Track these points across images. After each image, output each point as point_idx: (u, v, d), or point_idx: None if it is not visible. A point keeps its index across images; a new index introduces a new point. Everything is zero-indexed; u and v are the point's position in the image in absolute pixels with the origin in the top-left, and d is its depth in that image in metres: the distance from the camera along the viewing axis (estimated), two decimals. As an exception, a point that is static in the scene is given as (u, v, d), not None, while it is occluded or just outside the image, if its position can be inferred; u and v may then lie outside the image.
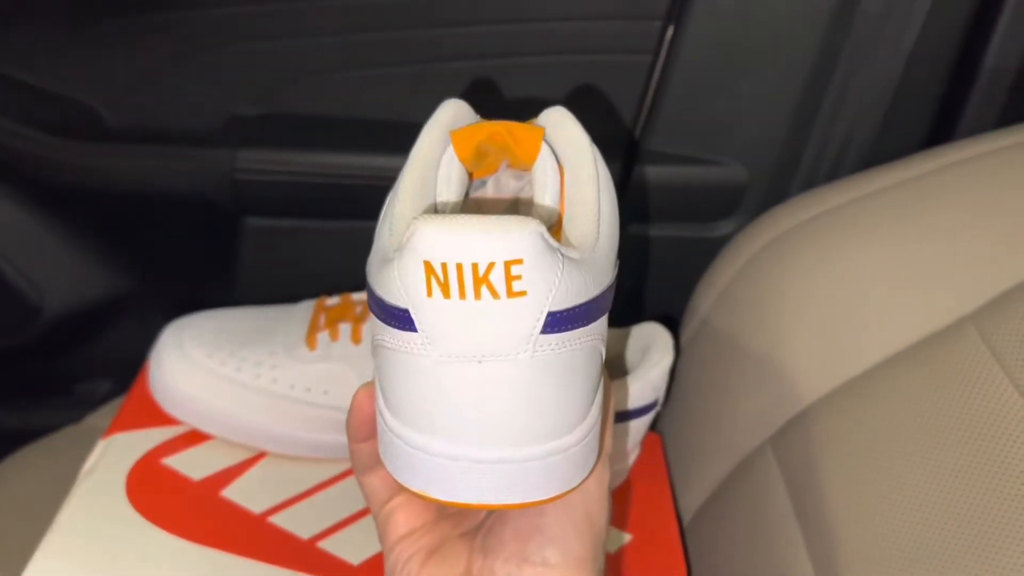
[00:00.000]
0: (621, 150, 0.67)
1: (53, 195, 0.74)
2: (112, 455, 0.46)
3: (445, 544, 0.35)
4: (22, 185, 0.73)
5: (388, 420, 0.28)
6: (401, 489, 0.34)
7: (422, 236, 0.25)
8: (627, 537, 0.47)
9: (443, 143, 0.33)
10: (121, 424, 0.48)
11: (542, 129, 0.32)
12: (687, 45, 0.62)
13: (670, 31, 0.63)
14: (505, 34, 0.63)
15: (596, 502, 0.33)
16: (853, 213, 0.55)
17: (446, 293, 0.25)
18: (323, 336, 0.48)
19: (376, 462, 0.35)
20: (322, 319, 0.49)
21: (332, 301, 0.51)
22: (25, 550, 0.50)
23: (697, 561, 0.52)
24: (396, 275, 0.26)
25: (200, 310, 0.53)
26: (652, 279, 0.70)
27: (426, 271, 0.25)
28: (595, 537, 0.33)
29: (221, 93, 0.67)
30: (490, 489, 0.27)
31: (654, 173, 0.67)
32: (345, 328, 0.48)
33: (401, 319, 0.27)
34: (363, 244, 0.71)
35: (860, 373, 0.49)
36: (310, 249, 0.70)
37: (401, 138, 0.67)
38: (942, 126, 0.63)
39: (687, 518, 0.56)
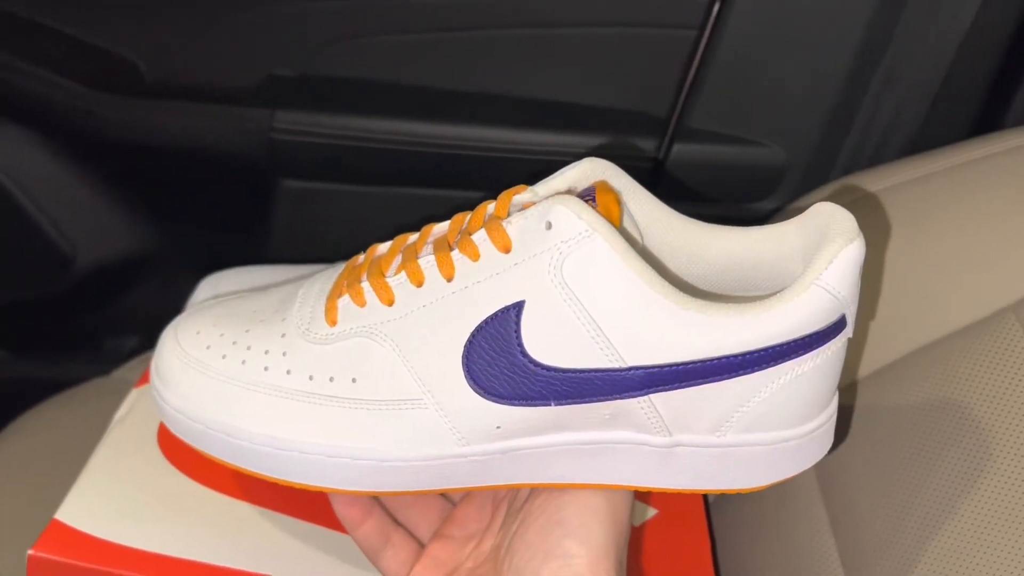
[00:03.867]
0: (659, 126, 0.66)
1: (89, 148, 0.74)
2: (144, 404, 0.46)
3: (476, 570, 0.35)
4: (59, 136, 0.74)
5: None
6: (414, 558, 0.37)
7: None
8: (652, 512, 0.47)
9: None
10: (154, 374, 0.48)
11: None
12: (733, 22, 0.62)
13: (716, 7, 0.62)
14: (549, 3, 0.63)
15: (619, 498, 0.34)
16: (896, 198, 0.55)
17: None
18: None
19: (382, 544, 0.37)
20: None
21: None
22: (53, 495, 0.51)
23: (720, 538, 0.52)
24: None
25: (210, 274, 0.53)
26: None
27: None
28: (617, 527, 0.34)
29: (260, 52, 0.67)
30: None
31: (690, 151, 0.66)
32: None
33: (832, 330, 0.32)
34: (397, 210, 0.71)
35: (898, 358, 0.48)
36: (344, 213, 0.71)
37: (440, 104, 0.67)
38: (991, 114, 0.62)
39: (711, 495, 0.56)
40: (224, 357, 0.36)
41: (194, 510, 0.42)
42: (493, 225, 0.33)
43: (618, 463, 0.34)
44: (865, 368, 0.49)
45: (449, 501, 0.41)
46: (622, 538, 0.34)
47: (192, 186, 0.75)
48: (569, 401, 0.33)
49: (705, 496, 0.53)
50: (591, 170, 0.35)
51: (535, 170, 0.66)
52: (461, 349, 0.33)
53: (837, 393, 0.35)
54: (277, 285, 0.41)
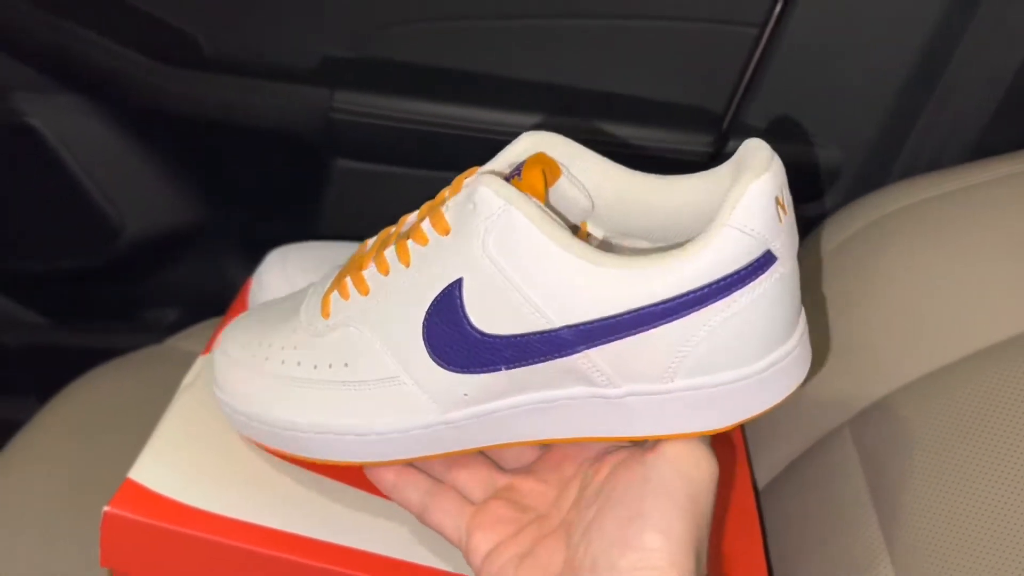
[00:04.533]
0: (715, 122, 0.67)
1: (144, 119, 0.75)
2: (210, 372, 0.47)
3: (536, 547, 0.35)
4: (116, 107, 0.74)
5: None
6: (467, 514, 0.38)
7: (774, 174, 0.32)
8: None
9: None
10: (220, 343, 0.49)
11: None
12: (795, 21, 0.62)
13: (779, 5, 0.62)
14: (612, -4, 0.63)
15: (701, 485, 0.34)
16: (955, 204, 0.55)
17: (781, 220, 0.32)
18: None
19: (426, 503, 0.38)
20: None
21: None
22: (115, 455, 0.52)
23: (769, 532, 0.52)
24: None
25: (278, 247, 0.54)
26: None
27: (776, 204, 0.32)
28: (698, 520, 0.33)
29: (321, 32, 0.67)
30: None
31: (744, 148, 0.66)
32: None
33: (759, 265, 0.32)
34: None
35: (945, 365, 0.48)
36: (397, 196, 0.71)
37: (498, 91, 0.68)
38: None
39: (758, 491, 0.56)
40: (253, 356, 0.41)
41: (262, 475, 0.42)
42: (434, 211, 0.36)
43: (580, 417, 0.37)
44: (912, 372, 0.49)
45: (495, 463, 0.41)
46: (703, 532, 0.34)
47: (244, 163, 0.76)
48: (517, 364, 0.35)
49: (755, 489, 0.54)
50: (532, 144, 0.38)
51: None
52: (420, 328, 0.36)
53: (801, 327, 0.36)
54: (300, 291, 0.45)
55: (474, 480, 0.39)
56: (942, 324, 0.50)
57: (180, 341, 0.64)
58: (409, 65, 0.67)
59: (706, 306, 0.33)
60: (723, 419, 0.35)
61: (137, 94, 0.71)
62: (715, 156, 0.66)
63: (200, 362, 0.48)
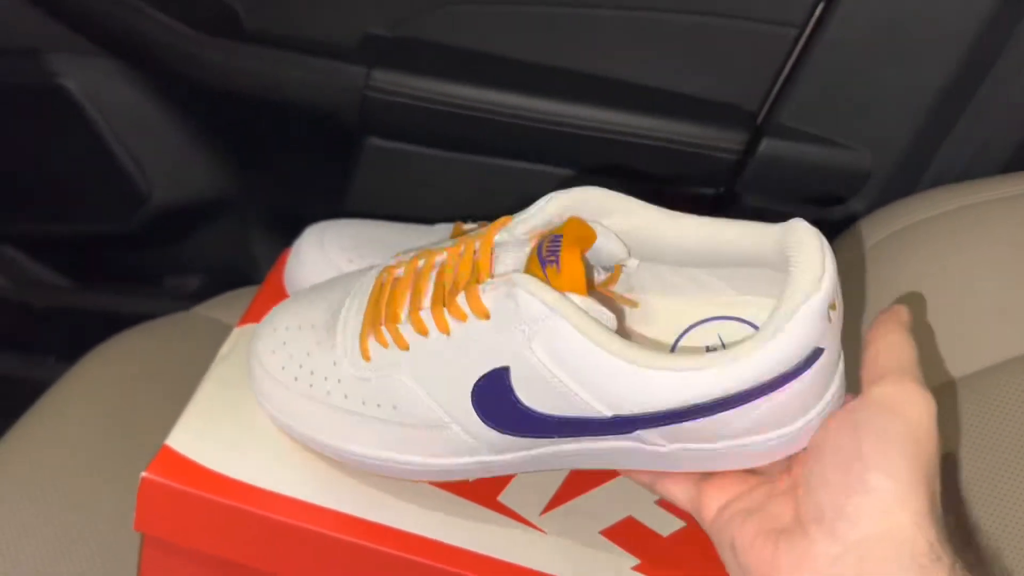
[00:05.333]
0: (749, 120, 0.67)
1: (180, 89, 0.75)
2: (245, 344, 0.47)
3: (766, 504, 0.35)
4: (151, 72, 0.75)
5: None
6: (695, 476, 0.38)
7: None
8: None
9: None
10: (254, 315, 0.49)
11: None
12: (835, 24, 0.62)
13: (820, 6, 0.62)
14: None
15: (922, 428, 0.32)
16: (986, 215, 0.55)
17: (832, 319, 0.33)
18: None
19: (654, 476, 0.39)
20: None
21: (470, 226, 0.52)
22: (144, 420, 0.52)
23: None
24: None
25: (303, 225, 0.54)
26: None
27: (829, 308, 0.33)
28: (923, 460, 0.32)
29: (362, 9, 0.67)
30: None
31: (777, 147, 0.66)
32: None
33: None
34: (484, 179, 0.72)
35: (970, 374, 0.49)
36: (429, 178, 0.71)
37: (533, 78, 0.68)
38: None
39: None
40: (296, 379, 0.42)
41: (296, 449, 0.43)
42: (471, 292, 0.37)
43: (628, 459, 0.39)
44: (937, 379, 0.49)
45: None
46: (932, 473, 0.32)
47: (276, 137, 0.76)
48: (569, 438, 0.37)
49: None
50: (568, 202, 0.38)
51: (620, 154, 0.68)
52: (469, 395, 0.37)
53: (838, 379, 0.36)
54: (326, 288, 0.45)
55: None
56: (969, 334, 0.50)
57: (208, 309, 0.64)
58: (447, 48, 0.67)
59: (754, 400, 0.34)
60: (756, 462, 0.37)
61: (173, 62, 0.71)
62: (747, 153, 0.67)
63: (236, 334, 0.49)
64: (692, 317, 0.41)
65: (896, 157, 0.65)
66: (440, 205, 0.72)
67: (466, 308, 0.36)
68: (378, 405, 0.40)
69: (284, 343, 0.43)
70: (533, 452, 0.39)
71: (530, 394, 0.36)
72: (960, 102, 0.62)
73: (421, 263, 0.41)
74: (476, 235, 0.39)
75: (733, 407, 0.34)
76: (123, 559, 0.49)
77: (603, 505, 0.45)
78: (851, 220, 0.65)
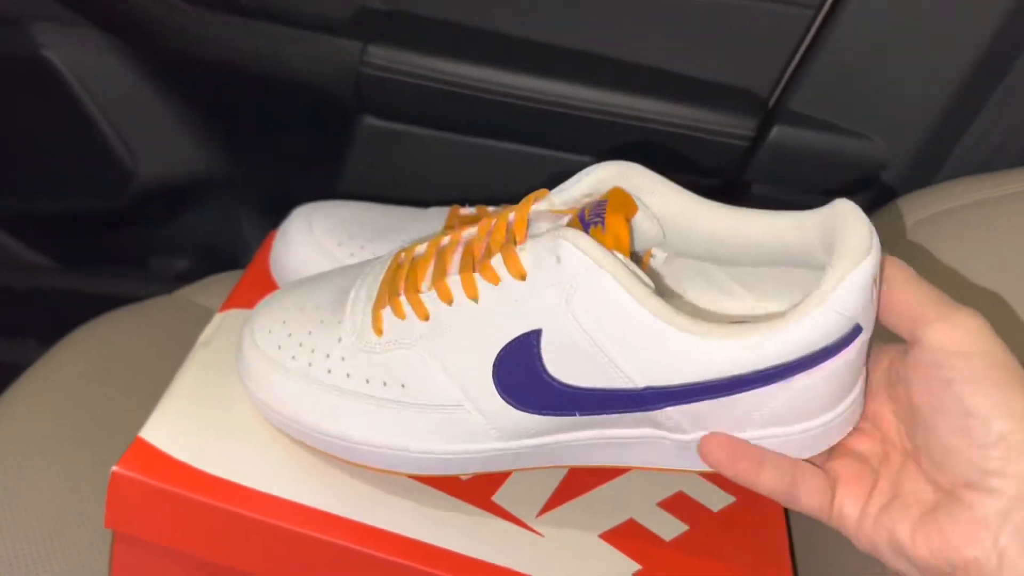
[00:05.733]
0: (760, 105, 0.64)
1: (169, 62, 0.73)
2: (228, 329, 0.45)
3: (898, 488, 0.34)
4: (139, 45, 0.72)
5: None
6: (827, 485, 0.36)
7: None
8: (730, 499, 0.46)
9: None
10: (238, 300, 0.47)
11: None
12: (852, 5, 0.59)
13: (838, -12, 0.59)
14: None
15: (996, 348, 0.32)
16: (1011, 208, 0.53)
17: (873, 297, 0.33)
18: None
19: (791, 484, 0.35)
20: (457, 226, 0.47)
21: (467, 210, 0.49)
22: (119, 407, 0.50)
23: (796, 527, 0.51)
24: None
25: (294, 205, 0.52)
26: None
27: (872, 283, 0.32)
28: (1020, 378, 0.32)
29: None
30: None
31: (788, 134, 0.64)
32: (483, 239, 0.46)
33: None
34: (482, 162, 0.69)
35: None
36: (425, 159, 0.69)
37: (538, 58, 0.65)
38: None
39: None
40: (294, 358, 0.39)
41: (277, 443, 0.41)
42: (509, 252, 0.35)
43: (644, 452, 0.37)
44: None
45: None
46: None
47: (267, 115, 0.74)
48: (593, 412, 0.36)
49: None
50: (608, 175, 0.37)
51: (623, 138, 0.65)
52: (491, 367, 0.35)
53: (863, 374, 0.36)
54: (334, 274, 0.43)
55: None
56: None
57: (192, 293, 0.62)
58: (447, 23, 0.64)
59: (793, 376, 0.33)
60: (793, 454, 0.36)
61: (163, 35, 0.68)
62: (756, 140, 0.64)
63: (218, 319, 0.46)
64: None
65: (913, 147, 0.62)
66: (437, 188, 0.70)
67: (502, 270, 0.35)
68: (384, 384, 0.37)
69: (284, 322, 0.41)
70: (544, 440, 0.37)
71: (558, 361, 0.34)
72: (984, 90, 0.59)
73: (446, 240, 0.39)
74: (508, 209, 0.38)
75: (771, 381, 0.33)
76: (96, 557, 0.46)
77: (603, 506, 0.43)
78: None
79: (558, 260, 0.33)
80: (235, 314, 0.46)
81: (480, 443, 0.38)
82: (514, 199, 0.53)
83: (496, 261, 0.35)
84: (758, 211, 0.37)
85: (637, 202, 0.37)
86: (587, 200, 0.37)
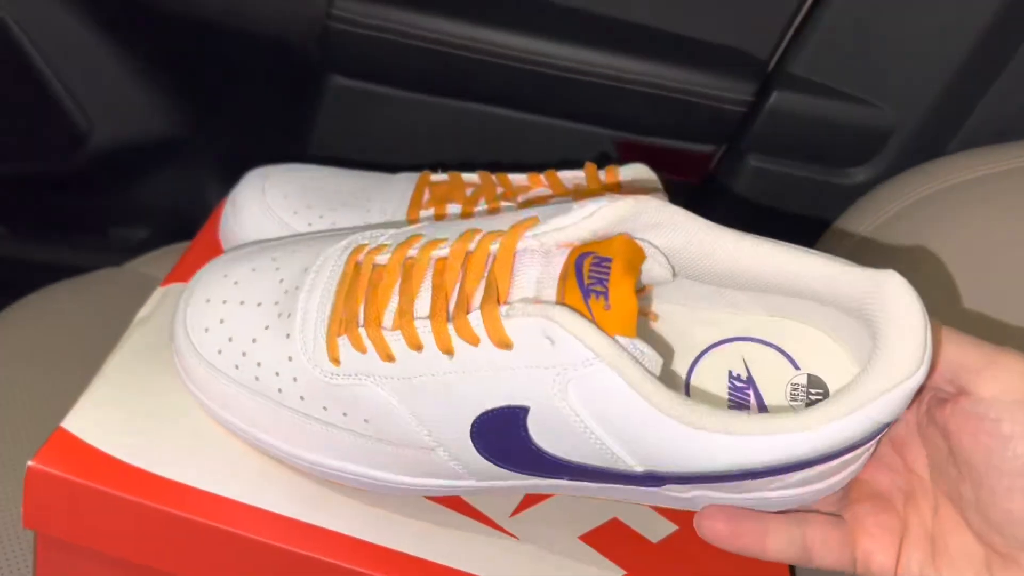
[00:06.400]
0: (760, 69, 0.60)
1: (124, 12, 0.67)
2: (169, 306, 0.41)
3: (937, 540, 0.33)
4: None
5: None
6: (847, 538, 0.34)
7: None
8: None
9: None
10: (182, 273, 0.43)
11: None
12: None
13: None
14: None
15: None
16: (1018, 182, 0.50)
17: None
18: (427, 214, 0.42)
19: (803, 548, 0.34)
20: (427, 194, 0.43)
21: (438, 177, 0.45)
22: (56, 388, 0.45)
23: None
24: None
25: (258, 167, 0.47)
26: (770, 219, 0.64)
27: None
28: None
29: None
30: None
31: (788, 100, 0.60)
32: (454, 209, 0.42)
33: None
34: (460, 126, 0.65)
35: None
36: (399, 122, 0.64)
37: (526, 14, 0.60)
38: None
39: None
40: (238, 368, 0.35)
41: (213, 434, 0.37)
42: (490, 313, 0.30)
43: (635, 497, 0.35)
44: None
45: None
46: None
47: (230, 73, 0.69)
48: (581, 479, 0.33)
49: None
50: (615, 217, 0.32)
51: (612, 102, 0.61)
52: (469, 426, 0.32)
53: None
54: (281, 253, 0.38)
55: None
56: (998, 307, 0.45)
57: (142, 265, 0.58)
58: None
59: (809, 467, 0.31)
60: (790, 506, 0.34)
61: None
62: (754, 106, 0.60)
63: (157, 294, 0.42)
64: (715, 335, 0.36)
65: (923, 116, 0.59)
66: (408, 152, 0.66)
67: (481, 331, 0.30)
68: (344, 414, 0.34)
69: (222, 320, 0.36)
70: (528, 483, 0.34)
71: (547, 437, 0.31)
72: (999, 57, 0.56)
73: (413, 252, 0.33)
74: (490, 232, 0.32)
75: (781, 473, 0.30)
76: (22, 558, 0.42)
77: (583, 506, 0.39)
78: (869, 185, 0.60)
79: (552, 345, 0.29)
80: (177, 288, 0.42)
81: (450, 480, 0.35)
82: (491, 165, 0.49)
83: (475, 320, 0.30)
84: (783, 245, 0.33)
85: (646, 247, 0.33)
86: (588, 236, 0.32)
